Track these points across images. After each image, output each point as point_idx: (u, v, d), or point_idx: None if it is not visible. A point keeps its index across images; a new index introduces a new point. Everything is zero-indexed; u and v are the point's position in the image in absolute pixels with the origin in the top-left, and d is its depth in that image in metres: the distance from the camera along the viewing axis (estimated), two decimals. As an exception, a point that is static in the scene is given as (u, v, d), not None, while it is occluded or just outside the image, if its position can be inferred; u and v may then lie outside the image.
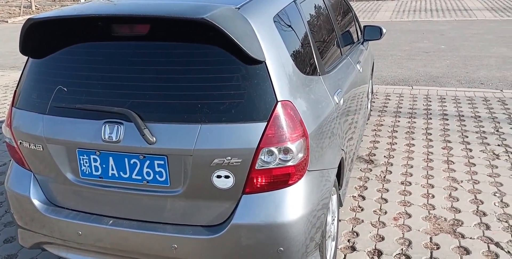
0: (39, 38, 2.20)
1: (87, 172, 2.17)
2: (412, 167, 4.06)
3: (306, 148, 2.08)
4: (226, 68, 1.99)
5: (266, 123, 1.96)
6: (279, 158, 2.00)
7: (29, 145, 2.25)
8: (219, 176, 2.00)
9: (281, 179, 2.04)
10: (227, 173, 1.98)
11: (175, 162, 2.02)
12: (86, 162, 2.15)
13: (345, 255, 2.87)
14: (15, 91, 2.38)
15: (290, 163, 2.02)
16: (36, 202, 2.31)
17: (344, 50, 3.43)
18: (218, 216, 2.06)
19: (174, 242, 2.07)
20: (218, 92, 1.97)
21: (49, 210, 2.30)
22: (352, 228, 3.16)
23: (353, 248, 2.94)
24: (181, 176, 2.04)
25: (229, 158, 1.96)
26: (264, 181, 2.02)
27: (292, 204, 2.05)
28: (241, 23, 1.98)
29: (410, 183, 3.77)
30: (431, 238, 3.01)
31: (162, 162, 2.03)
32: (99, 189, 2.18)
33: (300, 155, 2.04)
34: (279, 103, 1.99)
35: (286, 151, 2.00)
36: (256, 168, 1.99)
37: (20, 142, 2.29)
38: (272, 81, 1.99)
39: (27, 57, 2.37)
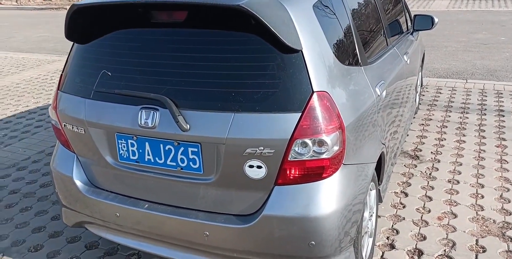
0: (82, 23, 2.26)
1: (125, 156, 2.21)
2: (461, 165, 3.85)
3: (342, 141, 2.00)
4: (261, 56, 1.95)
5: (300, 114, 1.90)
6: (313, 150, 1.94)
7: (72, 127, 2.33)
8: (251, 166, 1.97)
9: (314, 171, 1.98)
10: (259, 163, 1.95)
11: (209, 150, 2.02)
12: (124, 146, 2.19)
13: (383, 253, 2.78)
14: (61, 75, 2.47)
15: (324, 156, 1.96)
16: (78, 183, 2.39)
17: (390, 41, 3.29)
18: (250, 206, 2.04)
19: (206, 229, 2.08)
20: (252, 81, 1.93)
21: (90, 191, 2.38)
22: (392, 225, 3.05)
23: (392, 246, 2.83)
24: (214, 164, 2.03)
25: (262, 148, 1.92)
26: (297, 173, 1.98)
27: (326, 197, 1.99)
28: (278, 10, 1.93)
29: (458, 182, 3.58)
30: (477, 241, 2.85)
31: (196, 150, 2.03)
32: (136, 173, 2.22)
33: (336, 148, 1.98)
34: (315, 94, 1.93)
35: (321, 143, 1.94)
36: (289, 159, 1.94)
37: (64, 125, 2.38)
38: (308, 70, 1.93)
39: (72, 43, 2.45)
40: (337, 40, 2.23)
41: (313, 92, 1.92)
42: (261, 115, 1.91)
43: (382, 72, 2.77)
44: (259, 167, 1.96)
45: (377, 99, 2.49)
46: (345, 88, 2.15)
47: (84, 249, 2.94)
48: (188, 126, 1.99)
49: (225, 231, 2.05)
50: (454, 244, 2.83)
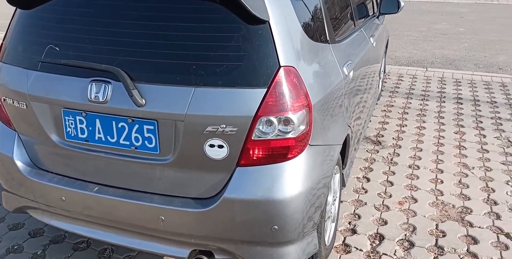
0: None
1: (72, 135, 2.02)
2: (421, 150, 3.87)
3: (309, 120, 1.90)
4: (226, 26, 1.79)
5: (266, 89, 1.77)
6: (278, 129, 1.83)
7: (13, 102, 2.09)
8: (212, 146, 1.83)
9: (279, 152, 1.87)
10: (221, 143, 1.82)
11: (166, 128, 1.86)
12: (71, 124, 1.99)
13: (344, 238, 2.73)
14: (1, 44, 2.22)
15: (290, 135, 1.85)
16: (19, 164, 2.17)
17: (358, 22, 3.20)
18: (210, 189, 1.91)
19: (161, 213, 1.93)
20: (215, 53, 1.78)
21: (32, 172, 2.16)
22: (354, 210, 3.01)
23: (353, 231, 2.79)
24: (171, 143, 1.88)
25: (224, 126, 1.79)
26: (261, 153, 1.86)
27: (290, 179, 1.88)
28: None
29: (418, 167, 3.59)
30: (437, 225, 2.85)
31: (152, 127, 1.87)
32: (85, 153, 2.03)
33: (302, 127, 1.87)
34: (281, 69, 1.80)
35: (287, 121, 1.83)
36: (252, 138, 1.82)
37: (4, 99, 2.14)
38: (275, 43, 1.80)
39: (15, 8, 2.20)
40: (306, 15, 2.10)
41: (280, 66, 1.79)
42: (224, 90, 1.77)
43: (350, 52, 2.68)
44: (220, 146, 1.83)
45: (345, 79, 2.40)
46: (313, 65, 2.03)
47: (27, 236, 2.72)
48: (143, 101, 1.81)
49: (182, 216, 1.91)
50: (414, 228, 2.82)
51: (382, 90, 5.29)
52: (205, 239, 1.95)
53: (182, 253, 2.01)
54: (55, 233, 2.74)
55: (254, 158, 1.86)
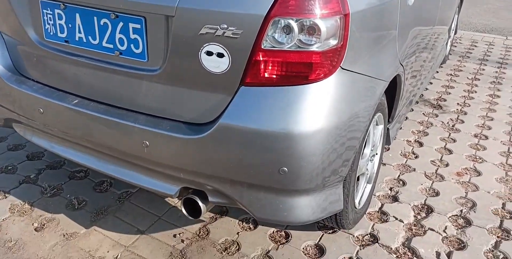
0: None
1: (51, 33, 1.66)
2: (492, 120, 3.22)
3: (343, 33, 1.41)
4: None
5: None
6: (299, 39, 1.35)
7: None
8: (209, 53, 1.40)
9: (298, 70, 1.39)
10: (220, 50, 1.38)
11: (155, 28, 1.43)
12: (50, 19, 1.63)
13: (382, 205, 2.24)
14: None
15: (314, 48, 1.37)
16: None
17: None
18: (206, 113, 1.47)
19: (146, 137, 1.53)
20: None
21: (12, 78, 1.85)
22: (399, 176, 2.49)
23: (394, 198, 2.29)
24: (161, 48, 1.45)
25: (225, 26, 1.34)
26: (273, 69, 1.40)
27: (310, 109, 1.39)
28: None
29: (487, 137, 2.97)
30: (504, 204, 2.27)
31: (139, 26, 1.45)
32: (65, 58, 1.68)
33: (332, 41, 1.38)
34: None
35: (312, 29, 1.34)
36: (262, 47, 1.35)
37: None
38: None
39: None
40: None
41: None
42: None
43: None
44: (220, 55, 1.39)
45: (402, 1, 1.87)
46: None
47: (24, 158, 2.50)
48: (127, -13, 1.41)
49: (169, 142, 1.50)
50: (474, 205, 2.27)
51: (450, 54, 4.59)
52: (196, 175, 1.54)
53: (170, 190, 1.62)
54: (54, 159, 2.49)
55: (264, 75, 1.40)
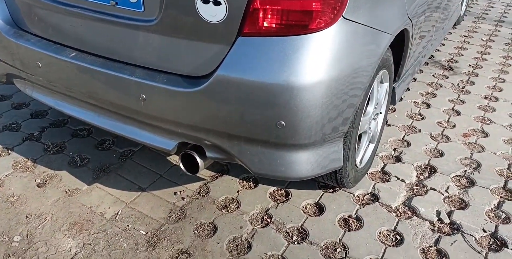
0: None
1: (47, -16, 1.62)
2: (504, 81, 3.13)
3: (348, -22, 1.34)
4: None
5: None
6: (300, -15, 1.30)
7: None
8: (206, 1, 1.33)
9: (298, 19, 1.33)
10: (218, -3, 1.33)
11: (150, -25, 1.39)
12: (43, -32, 1.59)
13: (385, 165, 2.22)
14: None
15: (316, -5, 1.31)
16: None
17: None
18: (203, 65, 1.43)
19: (142, 90, 1.50)
20: None
21: (11, 32, 1.82)
22: (403, 137, 2.46)
23: (398, 159, 2.26)
24: (157, -1, 1.42)
25: None
26: (272, 18, 1.34)
27: (310, 60, 1.34)
28: None
29: (497, 99, 2.90)
30: (510, 165, 2.24)
31: (133, -26, 1.41)
32: (61, 9, 1.62)
33: (336, -13, 1.32)
34: None
35: (314, -25, 1.29)
36: (261, -5, 1.31)
37: None
38: None
39: None
40: None
41: None
42: None
43: None
44: (217, 3, 1.33)
45: None
46: None
47: (28, 117, 2.50)
48: None
49: (165, 95, 1.47)
50: (479, 165, 2.23)
51: (466, 15, 4.43)
52: (193, 129, 1.51)
53: (168, 145, 1.61)
54: (57, 117, 2.49)
55: (263, 24, 1.34)
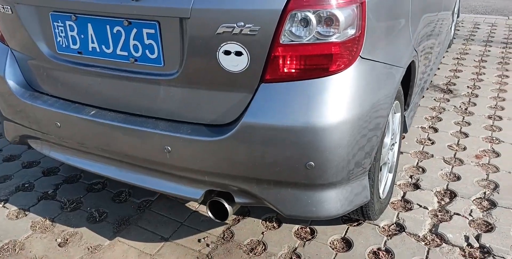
0: None
1: (63, 45, 1.65)
2: (504, 100, 3.20)
3: (361, 21, 1.39)
4: None
5: None
6: (317, 31, 1.34)
7: None
8: (227, 53, 1.38)
9: (318, 62, 1.38)
10: (238, 48, 1.36)
11: (169, 31, 1.42)
12: (61, 31, 1.61)
13: (404, 193, 2.22)
14: None
15: (333, 39, 1.36)
16: (11, 84, 1.84)
17: None
18: (227, 113, 1.46)
19: (167, 143, 1.52)
20: None
21: (26, 94, 1.84)
22: (417, 163, 2.48)
23: (416, 186, 2.27)
24: (178, 53, 1.44)
25: (241, 24, 1.32)
26: (293, 63, 1.38)
27: (333, 101, 1.38)
28: None
29: (501, 118, 2.95)
30: (526, 183, 2.27)
31: (153, 31, 1.44)
32: (79, 70, 1.66)
33: (351, 30, 1.37)
34: None
35: (330, 20, 1.33)
36: (281, 42, 1.34)
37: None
38: None
39: None
40: None
41: None
42: (239, -29, 1.30)
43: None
44: (238, 53, 1.37)
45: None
46: None
47: (40, 175, 2.48)
48: (138, -9, 1.39)
49: (191, 146, 1.49)
50: (496, 186, 2.24)
51: (455, 38, 4.57)
52: (221, 177, 1.52)
53: (195, 194, 1.61)
54: (70, 173, 2.47)
55: (284, 70, 1.38)
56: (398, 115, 2.06)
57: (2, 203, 2.23)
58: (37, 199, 2.27)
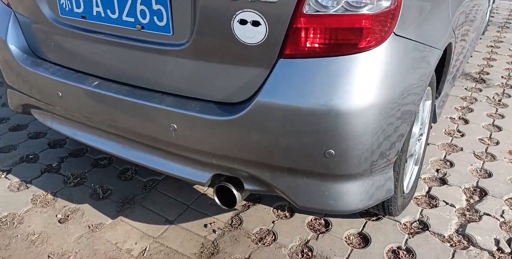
0: None
1: (67, 8, 1.51)
2: (542, 93, 2.99)
3: (398, -8, 1.22)
4: None
5: None
6: (346, 1, 1.16)
7: None
8: (243, 22, 1.22)
9: (346, 37, 1.21)
10: (256, 17, 1.20)
11: (180, -4, 1.28)
12: (64, -7, 1.49)
13: (429, 188, 2.05)
14: None
15: (365, 11, 1.19)
16: (13, 49, 1.72)
17: None
18: (240, 90, 1.31)
19: (173, 120, 1.38)
20: None
21: (27, 60, 1.72)
22: (445, 156, 2.29)
23: (443, 181, 2.10)
24: (188, 20, 1.29)
25: None
26: (316, 37, 1.21)
27: (361, 82, 1.21)
28: None
29: (538, 112, 2.74)
30: None
31: (162, -5, 1.30)
32: (83, 35, 1.52)
33: (385, 2, 1.19)
34: None
35: (363, -12, 1.16)
36: (304, 12, 1.17)
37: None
38: None
39: None
40: None
41: None
42: None
43: None
44: (255, 23, 1.21)
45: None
46: None
47: (46, 147, 2.39)
48: None
49: (199, 125, 1.34)
50: (531, 185, 2.07)
51: (489, 25, 4.29)
52: (230, 160, 1.38)
53: (201, 178, 1.47)
54: (76, 146, 2.38)
55: (306, 45, 1.22)
56: (429, 103, 1.87)
57: (5, 173, 2.16)
58: (41, 171, 2.18)
